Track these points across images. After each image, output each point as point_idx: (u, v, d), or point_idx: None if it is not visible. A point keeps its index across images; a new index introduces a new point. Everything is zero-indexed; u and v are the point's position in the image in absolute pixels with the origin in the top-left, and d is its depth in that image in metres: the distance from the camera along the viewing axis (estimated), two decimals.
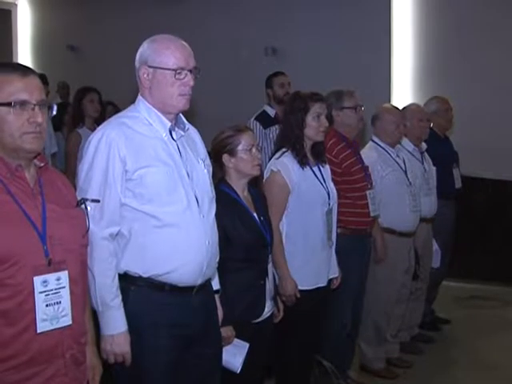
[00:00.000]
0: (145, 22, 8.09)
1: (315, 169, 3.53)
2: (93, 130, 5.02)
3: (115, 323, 2.39)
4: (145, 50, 2.53)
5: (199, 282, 2.52)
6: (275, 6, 7.65)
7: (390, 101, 6.90)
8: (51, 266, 1.97)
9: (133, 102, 2.62)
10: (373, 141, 4.47)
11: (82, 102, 5.25)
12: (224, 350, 2.77)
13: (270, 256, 3.15)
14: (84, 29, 9.25)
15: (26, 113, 1.95)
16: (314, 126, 3.47)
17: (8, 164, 1.98)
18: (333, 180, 3.67)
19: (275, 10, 7.63)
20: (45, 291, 1.96)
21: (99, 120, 5.17)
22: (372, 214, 4.05)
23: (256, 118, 5.45)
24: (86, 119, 5.24)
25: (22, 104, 1.94)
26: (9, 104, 1.93)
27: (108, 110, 5.91)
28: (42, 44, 10.14)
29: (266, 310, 3.11)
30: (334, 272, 3.63)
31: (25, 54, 10.30)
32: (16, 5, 10.31)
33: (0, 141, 1.96)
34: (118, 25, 8.81)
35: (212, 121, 6.45)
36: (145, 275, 2.44)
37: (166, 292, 2.46)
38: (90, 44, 9.24)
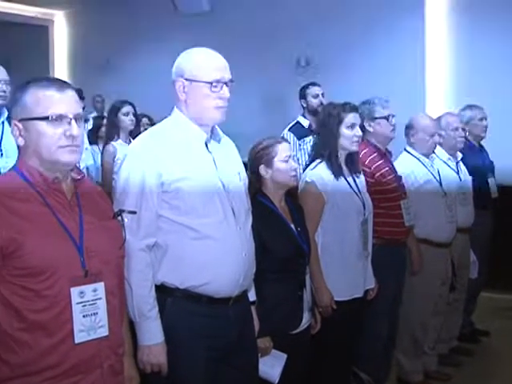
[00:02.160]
0: (178, 34, 8.19)
1: (350, 179, 3.51)
2: (128, 142, 5.09)
3: (152, 334, 2.40)
4: (181, 62, 2.55)
5: (236, 293, 2.52)
6: (308, 16, 7.65)
7: (424, 110, 6.84)
8: (88, 278, 1.98)
9: (167, 114, 2.64)
10: (407, 151, 4.43)
11: (117, 115, 5.29)
12: (262, 361, 2.77)
13: (307, 267, 3.14)
14: (119, 43, 9.38)
15: (63, 126, 1.97)
16: (348, 137, 3.46)
17: (46, 177, 2.00)
18: (367, 190, 3.65)
19: (308, 21, 7.64)
20: (82, 302, 1.97)
21: (134, 133, 5.23)
22: (406, 224, 4.00)
23: (290, 129, 5.44)
24: (121, 132, 5.28)
25: (59, 118, 1.96)
26: (46, 118, 1.95)
27: (143, 122, 5.97)
28: (77, 59, 10.32)
29: (304, 321, 3.10)
30: (370, 283, 3.60)
31: (61, 68, 10.48)
32: (53, 21, 10.51)
33: (38, 154, 1.99)
34: (152, 38, 8.91)
35: (246, 132, 6.49)
36: (181, 286, 2.45)
37: (203, 303, 2.46)
38: (124, 57, 9.37)
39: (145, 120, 6.11)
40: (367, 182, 3.73)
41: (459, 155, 4.81)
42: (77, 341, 1.95)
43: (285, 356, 2.94)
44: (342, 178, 3.46)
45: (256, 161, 3.09)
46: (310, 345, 3.19)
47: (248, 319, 2.67)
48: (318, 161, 3.48)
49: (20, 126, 1.99)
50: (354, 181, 3.54)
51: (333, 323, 3.30)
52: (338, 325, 3.33)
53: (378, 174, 3.93)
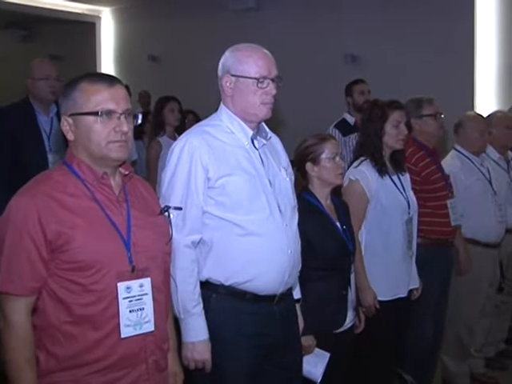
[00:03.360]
0: (224, 31, 8.20)
1: (394, 177, 3.46)
2: (173, 138, 5.10)
3: (196, 330, 2.41)
4: (227, 58, 2.54)
5: (280, 290, 2.51)
6: (354, 13, 7.59)
7: (473, 108, 6.73)
8: (134, 273, 1.99)
9: (213, 110, 2.64)
10: (455, 149, 4.36)
11: (162, 111, 5.30)
12: (305, 359, 2.75)
13: (352, 265, 3.11)
14: (165, 39, 9.45)
15: (112, 122, 1.98)
16: (393, 134, 3.42)
17: (95, 172, 2.02)
18: (412, 189, 3.59)
19: (354, 17, 7.57)
20: (128, 297, 1.98)
21: (180, 129, 5.24)
22: (453, 224, 3.94)
23: (335, 126, 5.41)
24: (167, 128, 5.29)
25: (109, 113, 1.98)
26: (96, 113, 1.97)
27: (189, 118, 5.98)
28: (124, 55, 10.44)
29: (348, 320, 3.07)
30: (415, 283, 3.55)
31: (108, 64, 10.61)
32: (100, 17, 10.65)
33: (87, 149, 2.00)
34: (197, 34, 8.95)
35: (292, 128, 6.47)
36: (226, 283, 2.44)
37: (248, 300, 2.46)
38: (170, 54, 9.44)
39: (190, 116, 6.13)
40: (413, 180, 3.68)
41: (510, 154, 4.71)
42: (123, 335, 1.97)
43: (328, 355, 2.91)
44: (387, 176, 3.42)
45: (302, 158, 3.07)
46: (354, 344, 3.16)
47: (293, 317, 2.65)
48: (362, 158, 3.45)
49: (70, 121, 2.01)
50: (399, 179, 3.49)
51: (376, 323, 3.27)
52: (381, 325, 3.29)
53: (425, 172, 3.88)
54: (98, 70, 10.14)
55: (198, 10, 8.94)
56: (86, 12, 10.47)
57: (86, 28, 10.56)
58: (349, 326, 3.09)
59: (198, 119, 6.17)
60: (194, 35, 9.02)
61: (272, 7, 8.21)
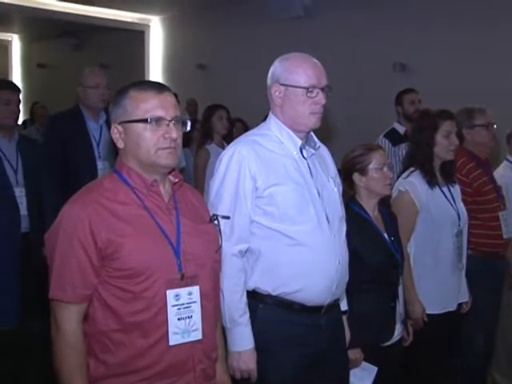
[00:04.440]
0: (272, 39, 8.22)
1: (444, 189, 3.42)
2: (221, 146, 5.13)
3: (242, 340, 2.40)
4: (277, 68, 2.54)
5: (328, 301, 2.49)
6: (404, 21, 7.51)
7: None
8: (184, 281, 2.00)
9: (260, 119, 2.64)
10: (508, 160, 4.27)
11: (210, 119, 5.31)
12: (352, 372, 2.72)
13: (400, 277, 3.07)
14: (213, 47, 9.52)
15: (162, 129, 1.99)
16: (443, 145, 3.37)
17: (144, 179, 2.03)
18: (463, 200, 3.54)
19: (404, 26, 7.49)
20: (177, 305, 1.98)
21: (228, 137, 5.27)
22: (505, 236, 3.87)
23: (385, 135, 5.36)
24: (215, 136, 5.31)
25: (158, 120, 1.99)
26: (145, 120, 1.98)
27: (237, 126, 6.00)
28: (172, 63, 10.54)
29: (396, 333, 3.02)
30: (464, 296, 3.49)
31: (156, 72, 10.73)
32: (149, 26, 10.79)
33: (137, 156, 2.02)
34: (246, 43, 8.99)
35: (341, 138, 6.44)
36: (274, 293, 2.43)
37: (295, 311, 2.44)
38: (218, 62, 9.50)
39: (238, 124, 6.15)
40: (464, 191, 3.63)
41: None
42: (171, 343, 1.97)
43: (375, 369, 2.87)
44: (437, 188, 3.37)
45: (350, 168, 3.04)
46: (402, 358, 3.11)
47: (339, 329, 2.63)
48: (412, 169, 3.41)
49: (120, 128, 2.03)
50: (449, 190, 3.44)
51: (425, 337, 3.21)
52: (430, 338, 3.24)
53: (476, 183, 3.82)
54: (147, 78, 10.26)
55: (246, 19, 8.98)
56: (135, 21, 10.61)
57: (135, 36, 10.70)
58: (397, 339, 3.04)
59: (246, 127, 6.19)
60: (242, 44, 9.06)
61: (320, 15, 8.18)
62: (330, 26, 8.03)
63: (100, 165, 4.19)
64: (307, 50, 2.64)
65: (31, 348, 2.50)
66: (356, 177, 3.03)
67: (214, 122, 5.30)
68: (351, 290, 2.67)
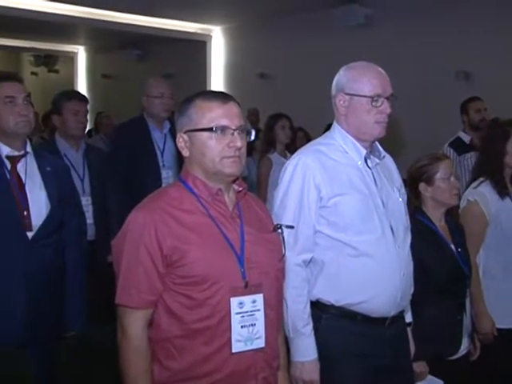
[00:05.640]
0: (333, 48, 8.20)
1: None
2: (284, 155, 5.14)
3: (306, 350, 2.39)
4: (341, 77, 2.53)
5: (392, 313, 2.45)
6: (467, 28, 7.38)
7: None
8: (247, 289, 2.00)
9: (322, 127, 2.62)
10: None
11: (273, 129, 5.32)
12: None
13: (468, 290, 3.01)
14: (274, 56, 9.55)
15: (226, 138, 2.01)
16: None
17: (209, 188, 2.05)
18: None
19: (467, 34, 7.36)
20: (240, 313, 1.99)
21: (290, 146, 5.27)
22: None
23: (450, 145, 5.27)
24: (277, 145, 5.31)
25: (223, 129, 2.01)
26: (210, 129, 2.00)
27: (298, 136, 5.99)
28: (234, 72, 10.63)
29: (463, 346, 2.96)
30: None
31: (218, 82, 10.84)
32: (211, 36, 10.91)
33: (202, 165, 2.04)
34: (307, 51, 8.99)
35: (404, 147, 6.36)
36: (337, 304, 2.41)
37: (358, 322, 2.41)
38: (280, 71, 9.52)
39: (301, 134, 6.13)
40: None
41: None
42: (234, 350, 1.98)
43: (441, 383, 2.81)
44: (508, 198, 3.29)
45: (416, 178, 3.00)
46: (469, 373, 3.03)
47: (404, 341, 2.59)
48: (481, 179, 3.33)
49: (185, 137, 2.05)
50: None
51: (494, 351, 3.13)
52: (499, 354, 3.15)
53: None
54: (209, 88, 10.37)
55: (307, 28, 8.98)
56: (197, 31, 10.75)
57: (197, 47, 10.84)
58: (464, 352, 2.98)
59: (307, 136, 6.19)
60: (304, 52, 9.06)
61: (382, 24, 8.12)
62: (391, 34, 7.96)
63: (164, 174, 4.24)
64: (369, 58, 2.62)
65: (98, 353, 2.54)
66: (422, 187, 2.99)
67: (276, 131, 5.31)
68: (416, 301, 2.62)
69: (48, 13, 9.08)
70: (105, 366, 2.45)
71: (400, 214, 2.54)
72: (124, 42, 11.73)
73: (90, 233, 3.81)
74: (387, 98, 2.47)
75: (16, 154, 2.85)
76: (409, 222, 2.61)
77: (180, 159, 2.13)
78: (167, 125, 4.35)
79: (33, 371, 2.49)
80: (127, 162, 4.18)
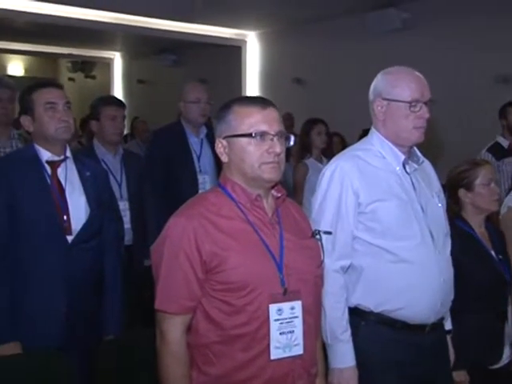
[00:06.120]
0: (369, 53, 8.14)
1: None
2: (320, 161, 5.12)
3: (344, 357, 2.37)
4: (379, 82, 2.51)
5: (432, 320, 2.42)
6: (508, 31, 7.27)
7: None
8: (286, 295, 1.99)
9: (357, 133, 2.60)
10: None
11: (309, 134, 5.29)
12: None
13: (509, 297, 2.96)
14: (309, 62, 9.53)
15: (266, 143, 2.01)
16: None
17: (248, 193, 2.05)
18: None
19: (505, 36, 7.25)
20: (279, 319, 1.98)
21: (326, 151, 5.25)
22: None
23: (488, 150, 5.19)
24: (314, 150, 5.28)
25: (262, 135, 2.00)
26: (249, 135, 2.00)
27: (334, 141, 5.96)
28: (269, 77, 10.63)
29: (505, 356, 2.91)
30: None
31: (253, 87, 10.85)
32: (246, 41, 10.94)
33: (241, 170, 2.04)
34: (343, 56, 8.95)
35: (442, 152, 6.28)
36: (376, 310, 2.39)
37: (397, 329, 2.39)
38: (315, 76, 9.49)
39: (336, 139, 6.10)
40: None
41: None
42: (272, 357, 1.97)
43: None
44: None
45: (455, 184, 2.97)
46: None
47: (443, 349, 2.56)
48: None
49: (224, 143, 2.05)
50: None
51: None
52: None
53: None
54: (244, 93, 10.39)
55: (342, 33, 8.94)
56: (232, 36, 10.78)
57: (232, 52, 10.87)
58: (505, 362, 2.92)
59: (343, 142, 6.16)
60: (339, 57, 9.03)
61: (418, 27, 8.04)
62: (428, 37, 7.87)
63: (200, 179, 4.26)
64: (406, 63, 2.60)
65: (136, 357, 2.56)
66: (462, 193, 2.96)
67: (312, 136, 5.28)
68: (456, 308, 2.59)
69: (85, 20, 9.20)
70: (143, 371, 2.47)
71: (439, 219, 2.52)
72: (159, 47, 11.83)
73: (128, 237, 3.84)
74: (425, 103, 2.44)
75: (56, 159, 2.88)
76: (448, 227, 2.58)
77: (219, 165, 2.12)
78: (204, 130, 4.36)
79: (72, 373, 2.52)
80: (164, 167, 4.20)
